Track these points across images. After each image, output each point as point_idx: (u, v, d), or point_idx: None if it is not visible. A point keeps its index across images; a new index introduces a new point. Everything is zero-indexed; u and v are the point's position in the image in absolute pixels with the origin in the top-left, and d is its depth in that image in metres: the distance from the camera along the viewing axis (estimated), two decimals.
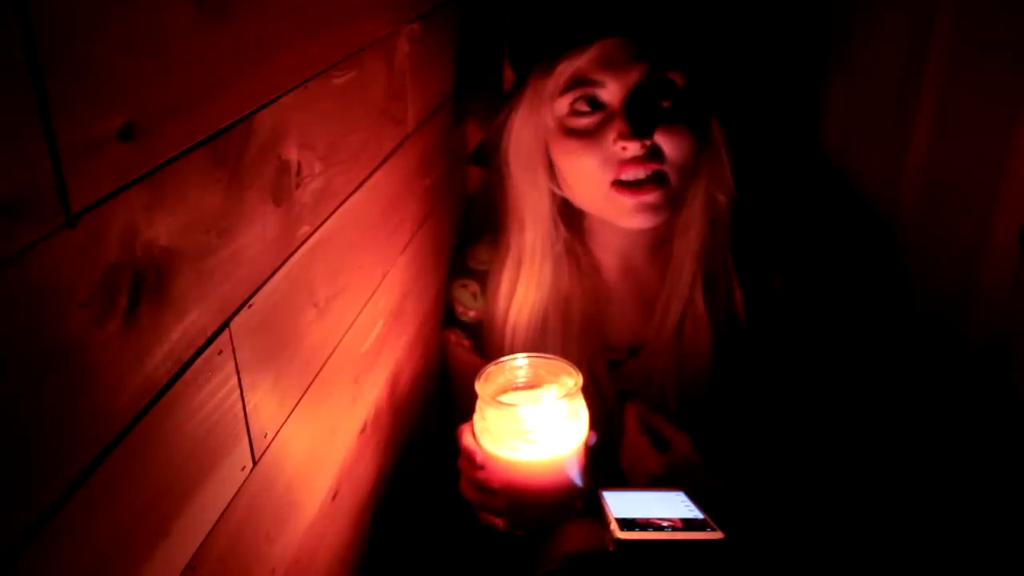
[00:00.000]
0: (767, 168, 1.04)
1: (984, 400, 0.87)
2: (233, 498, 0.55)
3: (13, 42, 0.33)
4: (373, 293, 0.82)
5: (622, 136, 0.84)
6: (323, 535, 0.74)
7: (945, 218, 0.91)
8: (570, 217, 0.98)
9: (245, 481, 0.57)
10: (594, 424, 0.78)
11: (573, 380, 0.77)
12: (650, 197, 0.87)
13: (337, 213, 0.69)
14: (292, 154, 0.59)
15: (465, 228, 1.16)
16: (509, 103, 0.93)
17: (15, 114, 0.34)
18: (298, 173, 0.61)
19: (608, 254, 1.00)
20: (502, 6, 1.07)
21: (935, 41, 0.88)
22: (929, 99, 0.90)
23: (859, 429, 0.95)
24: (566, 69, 0.86)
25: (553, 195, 0.95)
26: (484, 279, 1.03)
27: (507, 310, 0.98)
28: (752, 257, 0.95)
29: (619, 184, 0.87)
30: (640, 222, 0.91)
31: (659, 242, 0.97)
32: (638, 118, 0.84)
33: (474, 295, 1.04)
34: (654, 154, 0.86)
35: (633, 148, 0.84)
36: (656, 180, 0.87)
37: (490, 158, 0.98)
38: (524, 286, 0.97)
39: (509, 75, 1.00)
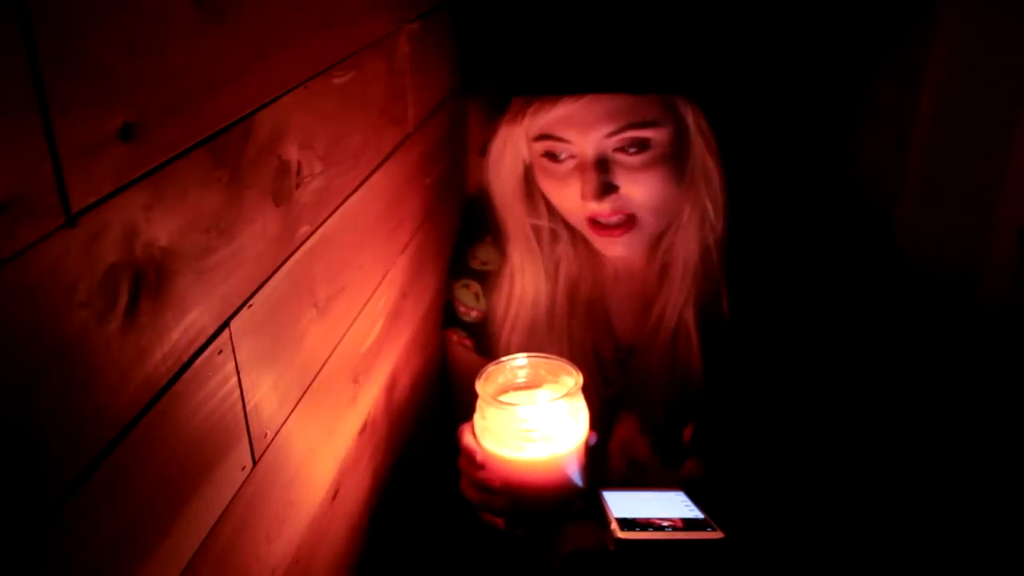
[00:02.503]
0: (767, 180, 1.04)
1: (985, 400, 0.87)
2: (233, 498, 0.55)
3: (13, 42, 0.33)
4: (373, 293, 0.82)
5: (584, 196, 0.85)
6: (323, 535, 0.74)
7: (945, 218, 0.91)
8: None
9: (245, 481, 0.57)
10: (595, 422, 0.78)
11: (573, 380, 0.77)
12: (623, 239, 0.89)
13: (337, 213, 0.69)
14: (292, 154, 0.59)
15: (465, 228, 1.16)
16: (495, 125, 0.93)
17: (15, 114, 0.34)
18: (298, 173, 0.61)
19: (607, 254, 1.00)
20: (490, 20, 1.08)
21: (936, 41, 0.88)
22: (929, 99, 0.90)
23: (856, 430, 0.95)
24: (534, 122, 0.86)
25: (533, 224, 0.96)
26: (486, 279, 1.03)
27: (507, 308, 0.99)
28: (747, 269, 0.95)
29: (593, 223, 0.89)
30: (616, 253, 0.93)
31: (655, 252, 0.97)
32: (601, 180, 0.84)
33: (476, 295, 1.04)
34: (623, 204, 0.86)
35: (595, 206, 0.85)
36: (629, 223, 0.88)
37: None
38: (520, 289, 0.98)
39: None
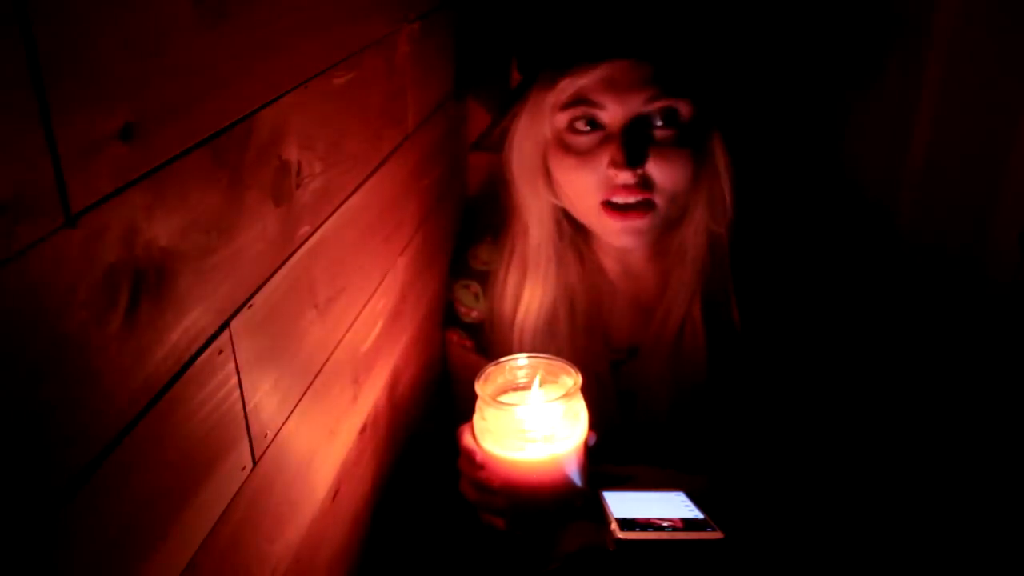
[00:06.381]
0: (770, 180, 1.04)
1: (985, 401, 0.87)
2: (233, 498, 0.55)
3: (13, 42, 0.33)
4: (373, 293, 0.82)
5: (614, 164, 0.84)
6: (323, 535, 0.74)
7: (945, 218, 0.91)
8: (573, 218, 0.98)
9: (245, 481, 0.57)
10: (594, 424, 0.78)
11: (573, 380, 0.77)
12: (637, 222, 0.88)
13: (337, 213, 0.69)
14: (292, 154, 0.59)
15: (465, 228, 1.16)
16: (513, 106, 0.92)
17: (15, 114, 0.34)
18: (298, 173, 0.61)
19: (608, 257, 1.00)
20: (505, 5, 1.08)
21: (936, 40, 0.88)
22: (930, 98, 0.90)
23: (856, 432, 0.95)
24: (569, 86, 0.85)
25: (553, 203, 0.96)
26: (486, 279, 1.03)
27: (515, 310, 0.98)
28: (752, 268, 0.95)
29: (608, 205, 0.87)
30: (626, 242, 0.92)
31: (658, 254, 0.97)
32: (633, 147, 0.83)
33: (476, 296, 1.04)
34: (646, 182, 0.86)
35: (624, 176, 0.84)
36: (645, 206, 0.87)
37: (495, 146, 0.98)
38: (531, 287, 0.97)
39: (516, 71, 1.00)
